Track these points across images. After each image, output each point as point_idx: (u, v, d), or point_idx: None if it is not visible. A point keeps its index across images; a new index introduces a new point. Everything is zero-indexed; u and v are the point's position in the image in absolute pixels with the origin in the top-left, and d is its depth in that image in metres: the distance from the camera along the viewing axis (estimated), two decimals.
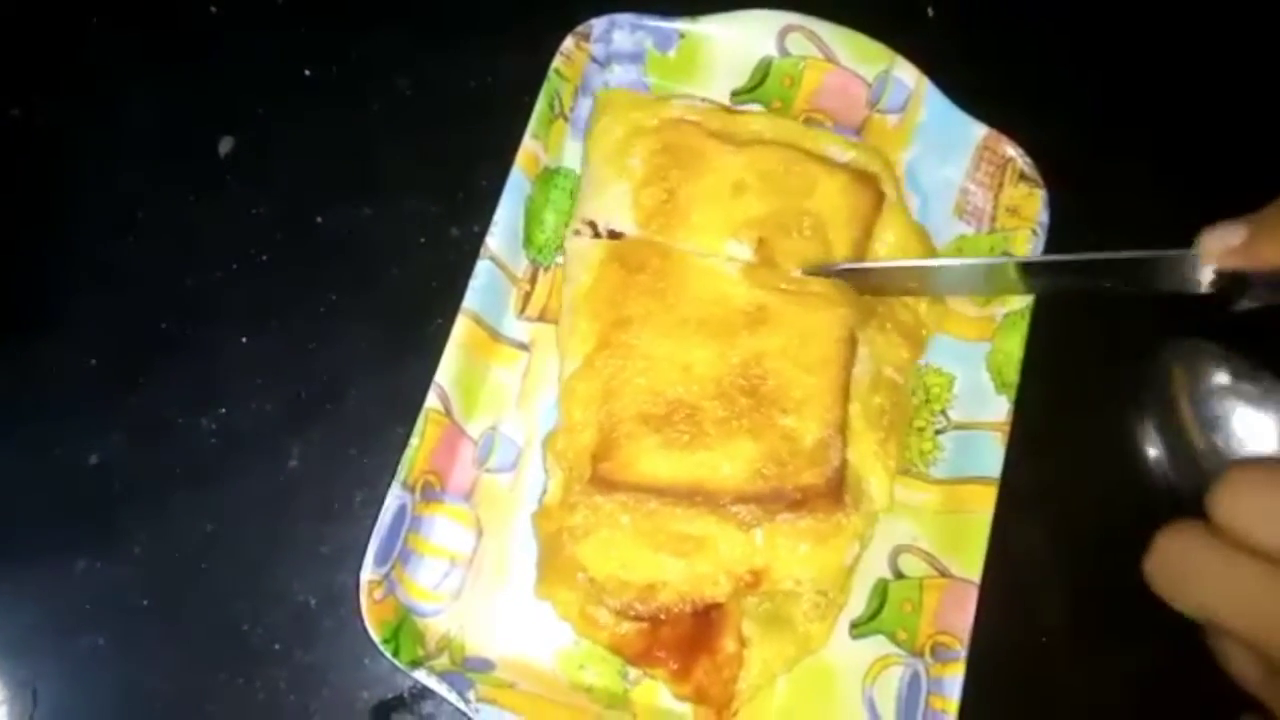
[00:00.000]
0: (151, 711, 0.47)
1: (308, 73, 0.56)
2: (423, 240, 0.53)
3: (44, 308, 0.51)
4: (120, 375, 0.50)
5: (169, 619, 0.48)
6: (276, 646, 0.47)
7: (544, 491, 0.46)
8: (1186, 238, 0.44)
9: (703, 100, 0.52)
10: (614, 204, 0.49)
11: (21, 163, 0.54)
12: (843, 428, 0.45)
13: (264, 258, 0.53)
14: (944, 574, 0.47)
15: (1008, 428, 0.48)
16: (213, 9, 0.56)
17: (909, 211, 0.52)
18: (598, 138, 0.51)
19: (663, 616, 0.43)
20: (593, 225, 0.49)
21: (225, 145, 0.54)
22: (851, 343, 0.46)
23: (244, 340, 0.51)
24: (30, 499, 0.49)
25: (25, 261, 0.52)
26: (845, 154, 0.51)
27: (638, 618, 0.43)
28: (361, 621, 0.43)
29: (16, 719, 0.46)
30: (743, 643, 0.44)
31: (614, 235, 0.49)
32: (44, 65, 0.55)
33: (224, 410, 0.50)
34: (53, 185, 0.53)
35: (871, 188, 0.50)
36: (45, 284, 0.52)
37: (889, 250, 0.50)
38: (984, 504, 0.47)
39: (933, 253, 0.52)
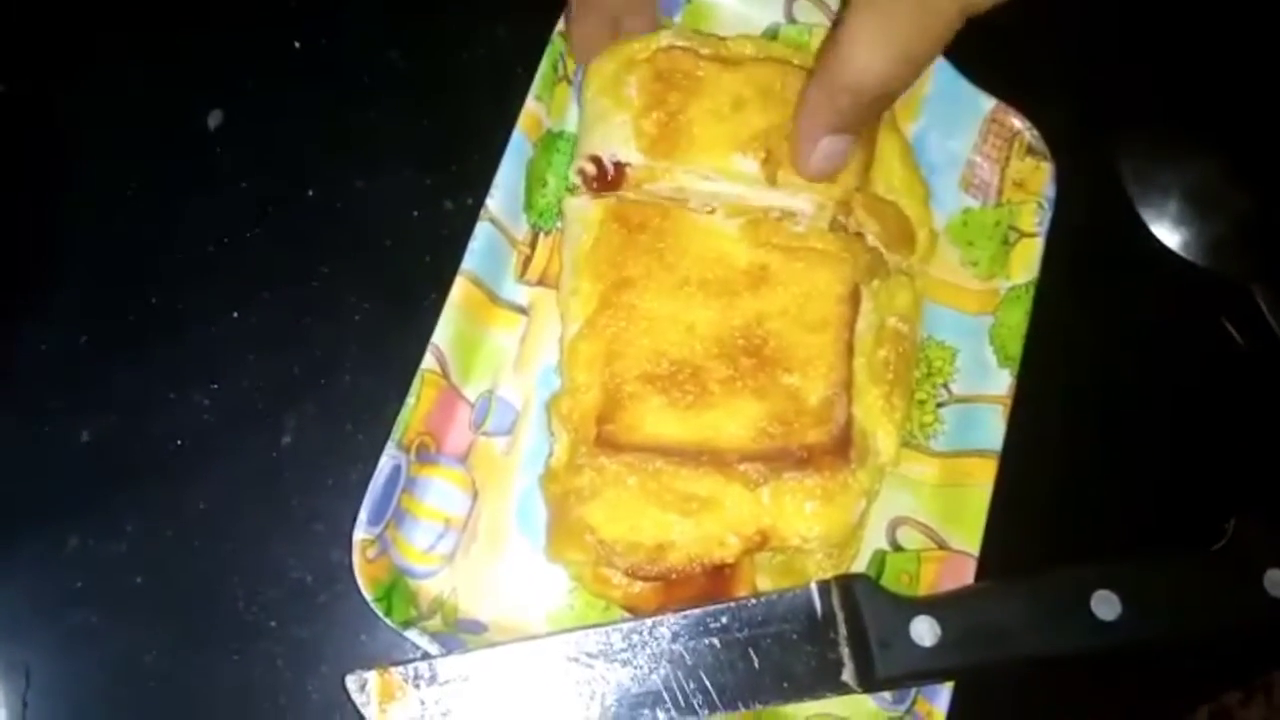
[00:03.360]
0: (146, 690, 0.50)
1: (297, 44, 0.59)
2: (416, 213, 0.57)
3: (33, 284, 0.55)
4: (111, 351, 0.54)
5: (162, 596, 0.51)
6: (272, 624, 0.51)
7: (550, 454, 0.50)
8: None
9: (694, 32, 0.56)
10: (616, 135, 0.52)
11: (8, 138, 0.57)
12: (847, 385, 0.48)
13: (255, 231, 0.56)
14: (942, 546, 0.51)
15: (1009, 401, 0.52)
16: None
17: (902, 133, 0.56)
18: (591, 76, 0.54)
19: (673, 576, 0.47)
20: (597, 161, 0.52)
21: (214, 119, 0.58)
22: (854, 300, 0.50)
23: (235, 315, 0.55)
24: (22, 476, 0.52)
25: (14, 237, 0.56)
26: None
27: (647, 578, 0.47)
28: (358, 593, 0.46)
29: (10, 697, 0.49)
30: (758, 594, 0.48)
31: (619, 168, 0.52)
32: (31, 39, 0.59)
33: (216, 386, 0.54)
34: (40, 160, 0.57)
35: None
36: (34, 260, 0.56)
37: (895, 168, 0.54)
38: (984, 476, 0.51)
39: (924, 179, 0.56)
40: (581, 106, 0.55)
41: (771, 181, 0.51)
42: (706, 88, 0.52)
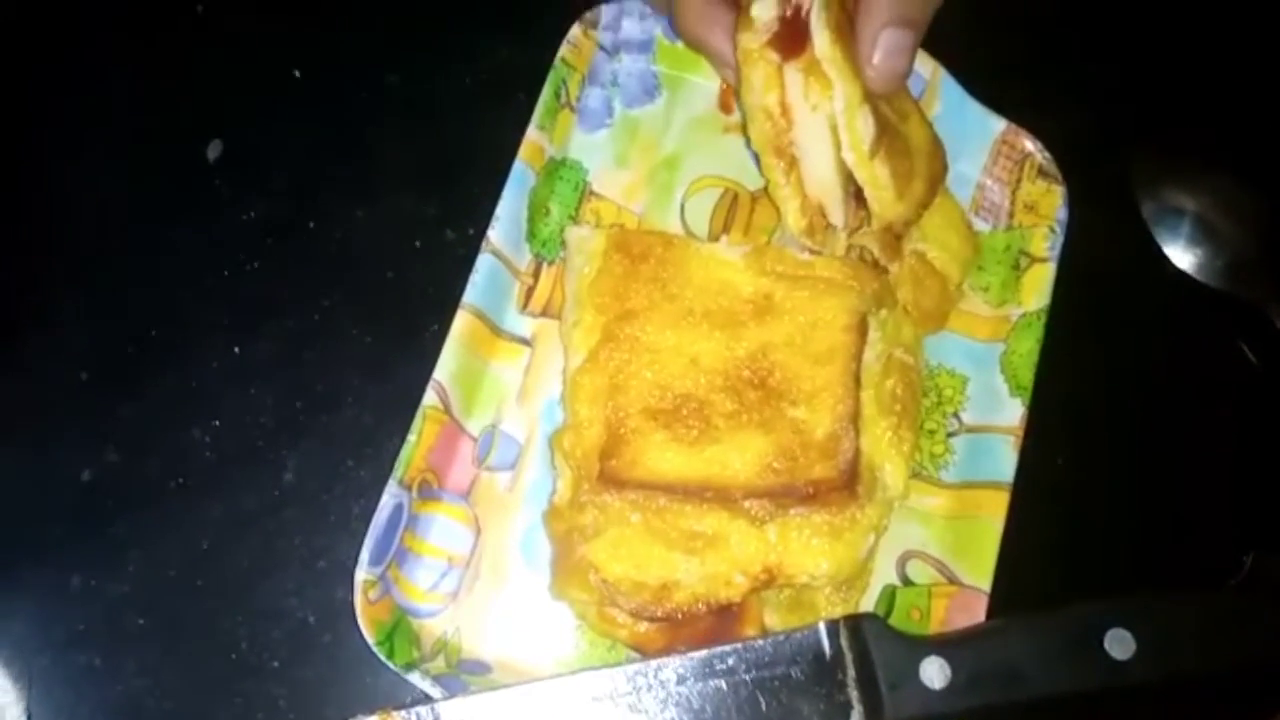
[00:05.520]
0: None
1: (297, 73, 0.60)
2: (418, 244, 0.57)
3: (34, 320, 0.56)
4: (112, 388, 0.55)
5: (165, 637, 0.52)
6: (275, 664, 0.51)
7: (553, 490, 0.50)
8: None
9: None
10: None
11: (9, 171, 0.58)
12: (854, 418, 0.48)
13: (255, 264, 0.57)
14: (953, 581, 0.51)
15: (1021, 432, 0.52)
16: (199, 8, 0.61)
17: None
18: None
19: (679, 617, 0.47)
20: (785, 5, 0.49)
21: (214, 150, 0.58)
22: (861, 330, 0.50)
23: (236, 350, 0.55)
24: (25, 516, 0.53)
25: (13, 273, 0.57)
26: None
27: (653, 619, 0.47)
28: (361, 633, 0.47)
29: None
30: (765, 633, 0.48)
31: (803, 26, 0.48)
32: (32, 71, 0.60)
33: (217, 423, 0.54)
34: (40, 193, 0.58)
35: (944, 152, 0.54)
36: (34, 296, 0.56)
37: (936, 224, 0.54)
38: (996, 509, 0.51)
39: (978, 245, 0.56)
40: None
41: (873, 154, 0.49)
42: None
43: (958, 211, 0.56)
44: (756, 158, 0.53)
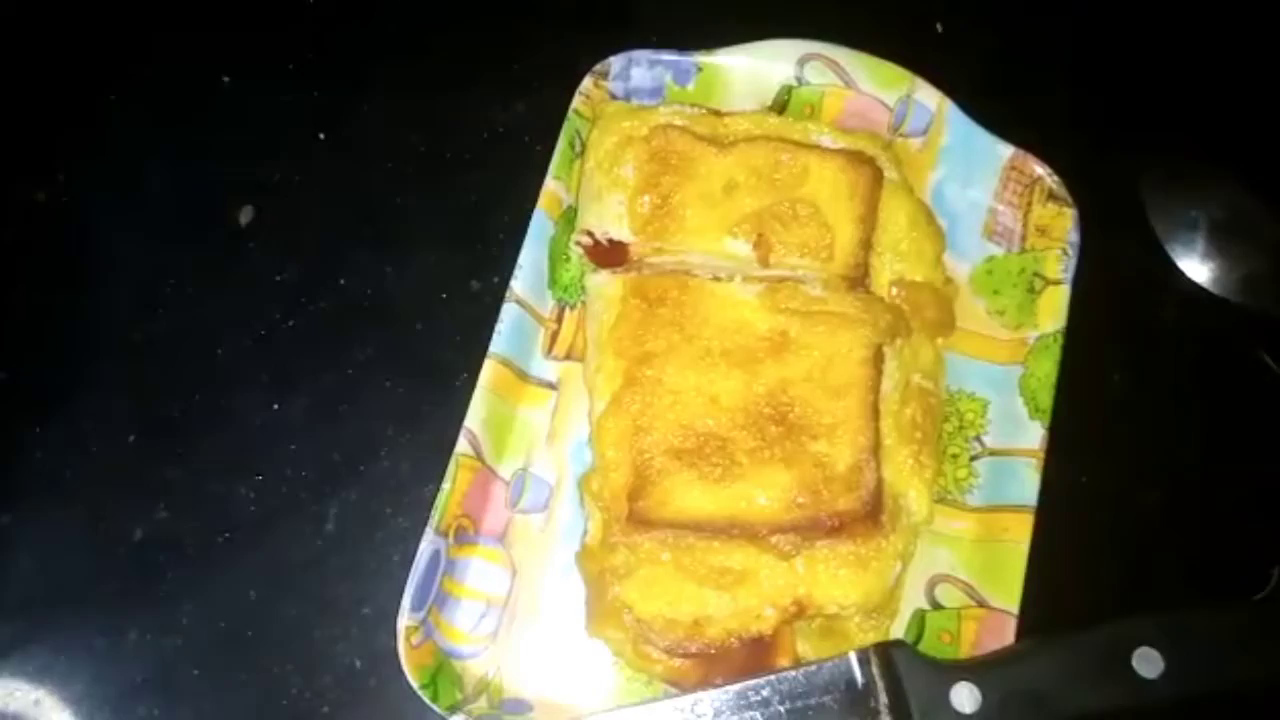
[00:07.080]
0: None
1: (322, 136, 0.62)
2: (444, 295, 0.60)
3: (82, 387, 0.58)
4: (159, 449, 0.57)
5: (219, 686, 0.54)
6: (325, 709, 0.53)
7: (584, 532, 0.52)
8: None
9: (692, 107, 0.58)
10: (610, 213, 0.55)
11: (49, 245, 0.61)
12: (875, 449, 0.50)
13: (290, 323, 0.59)
14: (982, 604, 0.52)
15: (1043, 455, 0.53)
16: (225, 79, 0.63)
17: (914, 192, 0.57)
18: (591, 149, 0.57)
19: (712, 652, 0.48)
20: (591, 234, 0.56)
21: (245, 215, 0.61)
22: (877, 362, 0.51)
23: (275, 407, 0.58)
24: (81, 575, 0.55)
25: (60, 343, 0.59)
26: (838, 142, 0.57)
27: (687, 655, 0.48)
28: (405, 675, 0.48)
29: None
30: (798, 662, 0.49)
31: (613, 244, 0.55)
32: (65, 146, 0.63)
33: (260, 478, 0.56)
34: (80, 266, 0.61)
35: (868, 165, 0.55)
36: (81, 364, 0.59)
37: (902, 233, 0.55)
38: (1021, 532, 0.52)
39: (942, 233, 0.57)
40: (581, 176, 0.57)
41: (764, 263, 0.53)
42: (700, 170, 0.55)
43: (916, 206, 0.56)
44: None
